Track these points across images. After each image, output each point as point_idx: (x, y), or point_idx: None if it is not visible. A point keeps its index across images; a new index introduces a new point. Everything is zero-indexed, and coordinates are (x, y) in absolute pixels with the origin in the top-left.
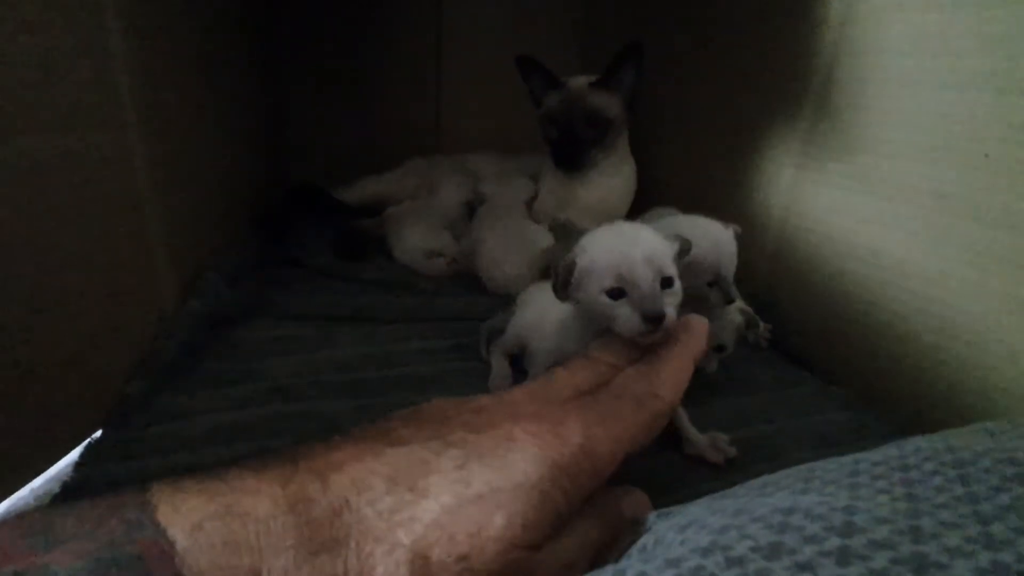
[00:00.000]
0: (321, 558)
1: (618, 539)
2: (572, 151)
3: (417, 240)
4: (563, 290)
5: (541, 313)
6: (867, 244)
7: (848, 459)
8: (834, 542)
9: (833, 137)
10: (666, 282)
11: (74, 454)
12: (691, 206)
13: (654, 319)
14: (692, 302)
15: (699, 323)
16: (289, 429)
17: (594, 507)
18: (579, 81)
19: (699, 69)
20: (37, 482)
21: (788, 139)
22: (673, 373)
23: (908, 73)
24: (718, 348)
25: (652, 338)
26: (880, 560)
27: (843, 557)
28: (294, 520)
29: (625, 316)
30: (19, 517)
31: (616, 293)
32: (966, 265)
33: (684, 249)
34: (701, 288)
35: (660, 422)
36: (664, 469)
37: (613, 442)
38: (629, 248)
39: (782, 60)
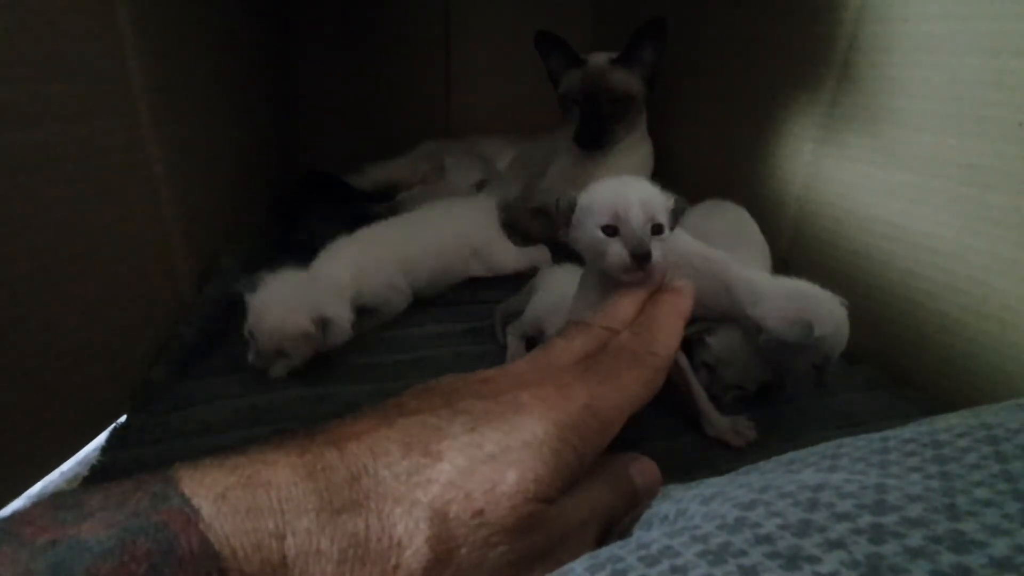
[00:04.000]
0: (343, 518)
1: (629, 507)
2: (595, 130)
3: None
4: (565, 227)
5: (560, 296)
6: (892, 219)
7: (877, 436)
8: (866, 520)
9: (856, 109)
10: (656, 228)
11: (101, 438)
12: (708, 183)
13: (641, 257)
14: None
15: (685, 284)
16: (308, 412)
17: (603, 471)
18: (600, 58)
19: (716, 41)
20: (66, 465)
21: (809, 112)
22: (665, 332)
23: (937, 39)
24: (737, 387)
25: (636, 276)
26: (915, 538)
27: (876, 535)
28: (314, 486)
29: (615, 251)
30: (52, 497)
31: (610, 230)
32: (997, 240)
33: (680, 208)
34: (806, 367)
35: (659, 378)
36: (684, 449)
37: (616, 400)
38: (626, 191)
39: (803, 29)
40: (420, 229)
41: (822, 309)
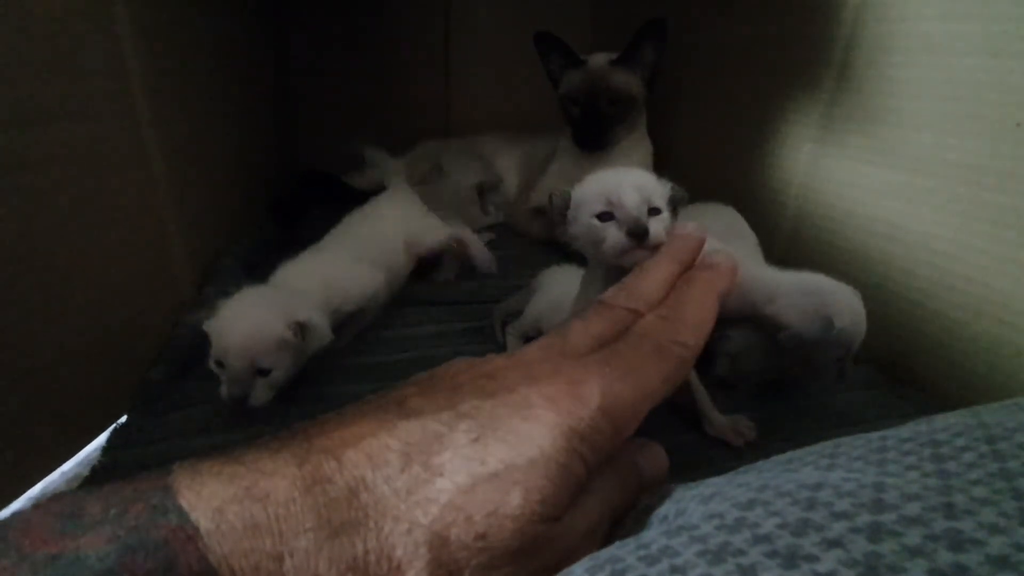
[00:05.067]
0: (340, 539)
1: (636, 500)
2: (596, 130)
3: None
4: (560, 224)
5: (560, 296)
6: (890, 219)
7: (875, 435)
8: (865, 518)
9: (855, 109)
10: (653, 211)
11: (102, 438)
12: (708, 183)
13: (638, 234)
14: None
15: (724, 259)
16: (307, 412)
17: (611, 466)
18: (600, 59)
19: (715, 40)
20: (67, 466)
21: (807, 112)
22: (697, 316)
23: (936, 39)
24: (754, 376)
25: (636, 256)
26: (913, 537)
27: (874, 533)
28: (312, 502)
29: (612, 235)
30: (52, 500)
31: (606, 216)
32: (995, 239)
33: (678, 196)
34: (828, 362)
35: (684, 370)
36: (684, 448)
37: (634, 398)
38: (619, 177)
39: (802, 28)
40: (366, 228)
41: (839, 301)
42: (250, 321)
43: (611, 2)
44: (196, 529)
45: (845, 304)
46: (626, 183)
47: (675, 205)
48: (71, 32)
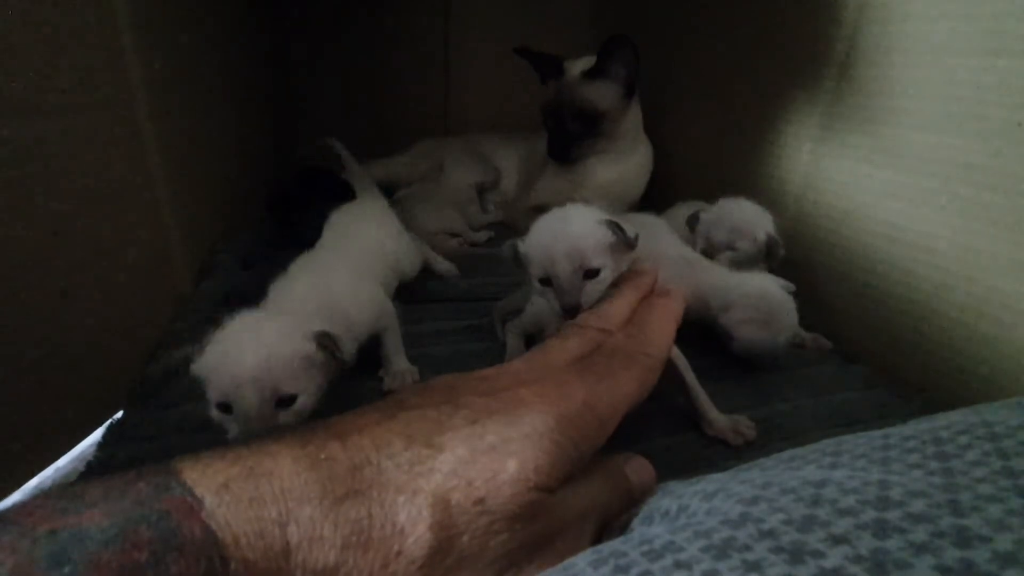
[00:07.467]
0: (345, 506)
1: (625, 505)
2: (562, 144)
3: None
4: (518, 268)
5: None
6: (890, 219)
7: (877, 434)
8: (870, 515)
9: (855, 109)
10: (591, 273)
11: (97, 434)
12: (707, 183)
13: (569, 309)
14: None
15: (676, 288)
16: None
17: (600, 469)
18: (574, 71)
19: (715, 40)
20: (62, 461)
21: (808, 112)
22: (658, 332)
23: (937, 40)
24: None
25: (570, 319)
26: (920, 533)
27: (881, 530)
28: (316, 475)
29: (551, 301)
30: (52, 488)
31: (546, 281)
32: (995, 239)
33: (622, 240)
34: (772, 355)
35: (653, 376)
36: (682, 448)
37: (613, 398)
38: (553, 243)
39: (802, 29)
40: (353, 238)
41: (783, 312)
42: (263, 340)
43: (611, 2)
44: (200, 502)
45: (787, 313)
46: (560, 253)
47: (629, 242)
48: (70, 25)
